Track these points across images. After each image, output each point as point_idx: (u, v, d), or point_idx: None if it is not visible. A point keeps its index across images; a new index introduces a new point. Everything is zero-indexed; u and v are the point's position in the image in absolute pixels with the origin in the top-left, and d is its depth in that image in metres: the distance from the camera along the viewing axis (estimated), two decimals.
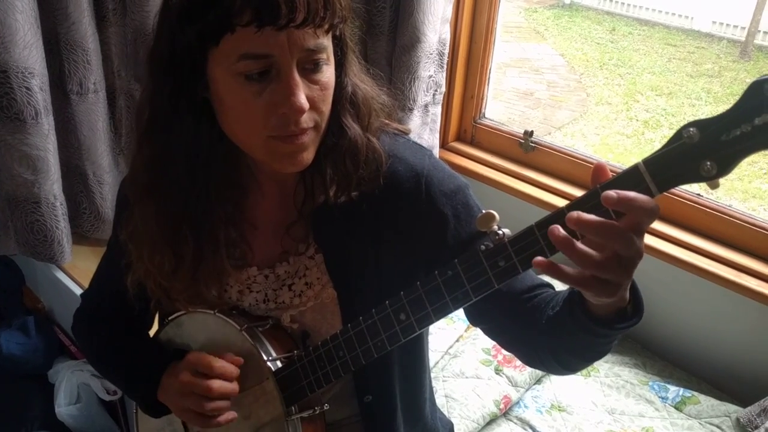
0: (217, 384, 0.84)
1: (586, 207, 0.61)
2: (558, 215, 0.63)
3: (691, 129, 0.56)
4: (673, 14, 4.92)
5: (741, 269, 1.47)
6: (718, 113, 0.56)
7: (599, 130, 4.12)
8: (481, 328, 0.90)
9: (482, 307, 0.84)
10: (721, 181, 0.57)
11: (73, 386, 1.70)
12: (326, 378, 0.83)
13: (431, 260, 0.84)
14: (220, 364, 0.85)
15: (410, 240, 0.84)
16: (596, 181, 0.61)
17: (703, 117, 0.56)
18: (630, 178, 0.59)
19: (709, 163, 0.56)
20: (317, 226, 0.85)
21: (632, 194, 0.57)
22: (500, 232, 0.67)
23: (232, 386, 0.86)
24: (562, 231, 0.59)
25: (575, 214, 0.58)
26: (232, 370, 0.86)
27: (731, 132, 0.54)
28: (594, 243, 0.59)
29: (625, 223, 0.58)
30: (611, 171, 0.62)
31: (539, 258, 0.62)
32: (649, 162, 0.58)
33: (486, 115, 1.93)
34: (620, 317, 0.67)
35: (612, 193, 0.57)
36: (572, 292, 0.70)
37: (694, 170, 0.57)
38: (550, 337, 0.76)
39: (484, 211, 0.67)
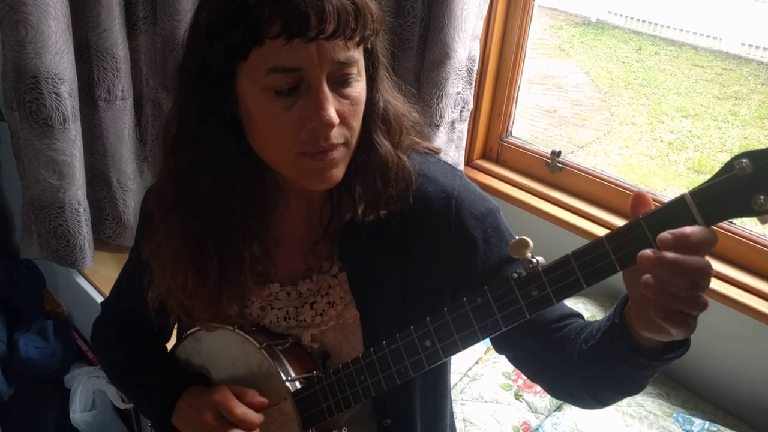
0: None
1: (628, 238, 0.58)
2: (596, 246, 0.60)
3: (744, 160, 0.53)
4: (702, 35, 4.86)
5: None
6: None
7: (623, 150, 4.07)
8: (506, 356, 0.87)
9: (509, 335, 0.81)
10: None
11: (88, 392, 1.70)
12: (346, 402, 0.81)
13: (459, 284, 0.82)
14: (242, 411, 0.83)
15: (438, 262, 0.82)
16: (635, 210, 0.59)
17: (755, 148, 0.53)
18: (675, 209, 0.56)
19: (762, 197, 0.53)
20: (343, 244, 0.83)
21: (688, 231, 0.54)
22: (534, 260, 0.64)
23: None
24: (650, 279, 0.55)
25: (648, 252, 0.55)
26: (254, 418, 0.84)
27: None
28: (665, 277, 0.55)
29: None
30: (654, 201, 0.59)
31: (647, 277, 0.56)
32: (696, 193, 0.56)
33: (513, 134, 1.91)
34: (667, 347, 0.64)
35: (667, 235, 0.54)
36: (612, 324, 0.67)
37: (745, 204, 0.54)
38: (585, 369, 0.73)
39: (517, 237, 0.65)
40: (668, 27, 5.03)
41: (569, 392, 0.79)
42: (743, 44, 4.63)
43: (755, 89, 4.32)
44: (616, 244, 0.59)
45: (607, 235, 0.60)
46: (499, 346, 0.86)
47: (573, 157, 1.77)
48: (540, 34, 5.30)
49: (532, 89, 4.68)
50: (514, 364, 0.87)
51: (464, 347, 0.71)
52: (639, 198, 0.59)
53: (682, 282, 0.54)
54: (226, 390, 0.86)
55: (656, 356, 0.64)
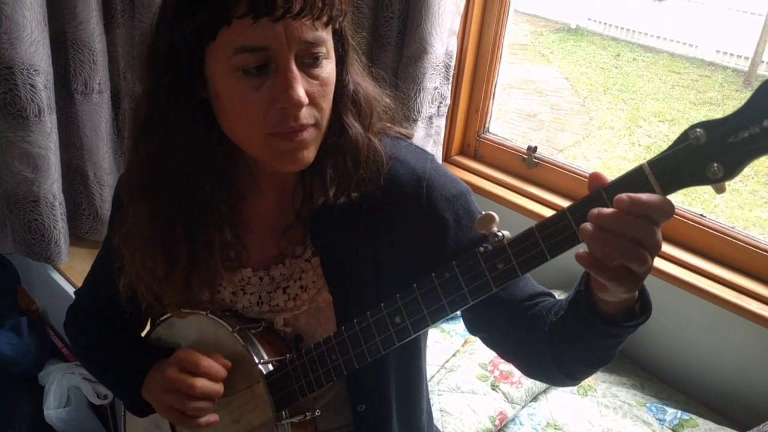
0: (200, 383, 0.82)
1: (589, 209, 0.59)
2: (559, 218, 0.62)
3: (698, 130, 0.55)
4: (678, 42, 4.96)
5: (743, 291, 1.45)
6: (726, 114, 0.55)
7: (601, 153, 4.13)
8: (480, 337, 0.88)
9: (482, 314, 0.82)
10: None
11: (63, 389, 1.68)
12: (318, 382, 0.81)
13: (431, 265, 0.82)
14: (207, 363, 0.83)
15: (410, 244, 0.83)
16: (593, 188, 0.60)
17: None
18: (634, 179, 0.58)
19: (715, 165, 0.54)
20: (315, 228, 0.84)
21: (645, 197, 0.55)
22: (500, 234, 0.65)
23: (216, 387, 0.84)
24: (589, 227, 0.58)
25: (595, 211, 0.57)
26: (218, 370, 0.84)
27: (739, 134, 0.53)
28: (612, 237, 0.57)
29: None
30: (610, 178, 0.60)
31: (583, 252, 0.59)
32: (654, 163, 0.57)
33: (490, 130, 1.93)
34: (629, 316, 0.66)
35: (624, 196, 0.56)
36: (577, 293, 0.69)
37: (700, 172, 0.55)
38: (555, 344, 0.74)
39: (483, 212, 0.66)
40: (646, 34, 5.12)
41: (541, 369, 0.80)
42: (718, 51, 4.73)
43: (730, 95, 4.40)
44: (578, 214, 0.60)
45: (569, 207, 0.61)
46: (473, 327, 0.87)
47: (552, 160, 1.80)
48: (521, 40, 5.36)
49: (513, 93, 4.73)
50: (488, 345, 0.88)
51: (433, 322, 0.71)
52: (596, 178, 0.60)
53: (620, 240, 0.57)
54: (189, 349, 0.86)
55: (617, 323, 0.65)
